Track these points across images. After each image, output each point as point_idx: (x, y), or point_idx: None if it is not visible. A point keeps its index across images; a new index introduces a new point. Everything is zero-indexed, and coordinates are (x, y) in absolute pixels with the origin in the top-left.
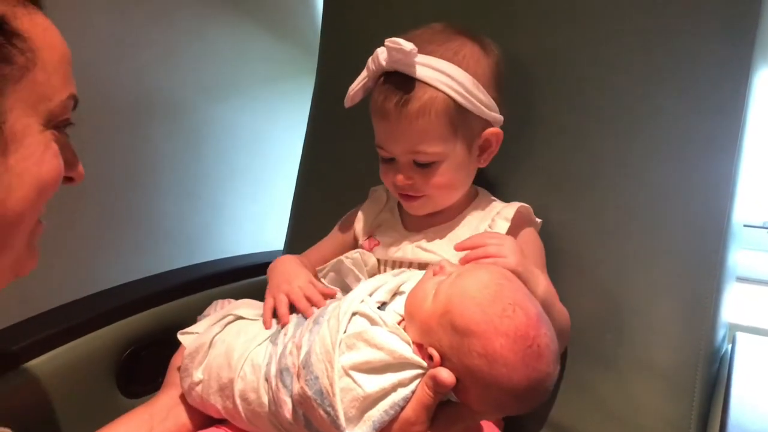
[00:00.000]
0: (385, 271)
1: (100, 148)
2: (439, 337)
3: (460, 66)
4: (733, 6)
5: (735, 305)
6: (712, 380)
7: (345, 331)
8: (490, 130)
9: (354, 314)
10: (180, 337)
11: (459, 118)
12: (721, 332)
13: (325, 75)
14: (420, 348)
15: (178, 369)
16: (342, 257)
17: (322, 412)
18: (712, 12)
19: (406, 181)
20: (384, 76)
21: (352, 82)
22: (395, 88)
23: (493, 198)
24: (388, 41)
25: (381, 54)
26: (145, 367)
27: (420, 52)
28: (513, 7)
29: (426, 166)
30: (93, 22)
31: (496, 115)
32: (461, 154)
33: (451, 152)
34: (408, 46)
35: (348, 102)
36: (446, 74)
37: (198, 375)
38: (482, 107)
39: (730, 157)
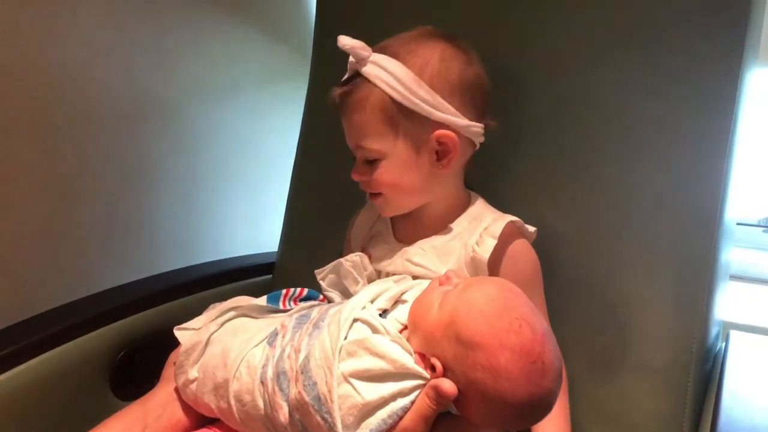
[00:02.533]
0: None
1: (93, 151)
2: (443, 348)
3: (406, 64)
4: (723, 5)
5: (729, 303)
6: (706, 378)
7: (346, 338)
8: (440, 131)
9: (355, 321)
10: (176, 332)
11: (399, 116)
12: (714, 330)
13: (318, 77)
14: (422, 358)
15: (174, 364)
16: (341, 260)
17: (319, 419)
18: (703, 11)
19: (360, 177)
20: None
21: None
22: (344, 85)
23: (488, 206)
24: (341, 38)
25: (356, 54)
26: (139, 370)
27: (381, 51)
28: (505, 14)
29: (371, 163)
30: (85, 25)
31: (455, 119)
32: (404, 153)
33: (390, 150)
34: (350, 42)
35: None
36: (387, 71)
37: (193, 373)
38: (426, 107)
39: (721, 156)
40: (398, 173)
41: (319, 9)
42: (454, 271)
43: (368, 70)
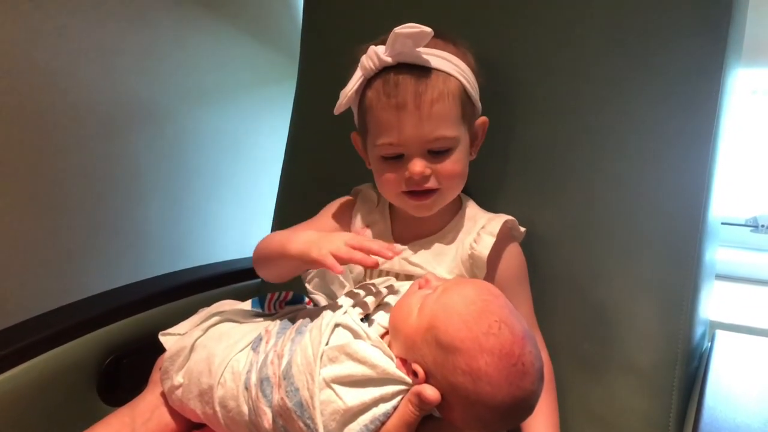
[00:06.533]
0: (371, 278)
1: (81, 154)
2: (423, 352)
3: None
4: (705, 5)
5: (716, 303)
6: (691, 378)
7: (327, 343)
8: (482, 117)
9: (337, 326)
10: (161, 338)
11: (467, 104)
12: (699, 330)
13: (306, 80)
14: (404, 363)
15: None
16: None
17: (301, 424)
18: (685, 11)
19: (426, 170)
20: (383, 71)
21: (333, 86)
22: (408, 78)
23: (479, 208)
24: (400, 28)
25: (379, 49)
26: (126, 375)
27: None
28: (490, 12)
29: (440, 155)
30: (72, 28)
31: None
32: (466, 140)
33: (462, 137)
34: (426, 27)
35: (339, 108)
36: (452, 62)
37: (178, 379)
38: (477, 96)
39: (704, 156)
40: (464, 162)
41: (306, 11)
42: (433, 274)
43: (435, 61)
